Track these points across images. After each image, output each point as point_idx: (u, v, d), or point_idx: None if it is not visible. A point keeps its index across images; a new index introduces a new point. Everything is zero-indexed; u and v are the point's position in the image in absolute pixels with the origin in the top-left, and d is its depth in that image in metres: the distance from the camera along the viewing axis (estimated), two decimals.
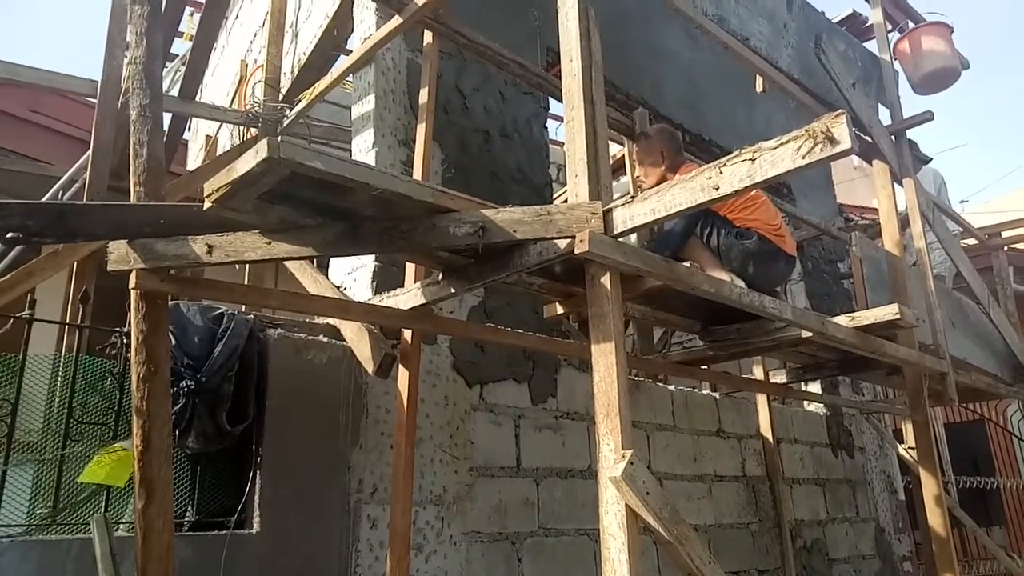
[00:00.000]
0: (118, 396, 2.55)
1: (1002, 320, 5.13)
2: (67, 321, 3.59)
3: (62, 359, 2.63)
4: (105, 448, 2.39)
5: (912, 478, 5.71)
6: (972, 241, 6.53)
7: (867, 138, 4.07)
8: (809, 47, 4.16)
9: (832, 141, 1.74)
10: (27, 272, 3.31)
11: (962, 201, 14.85)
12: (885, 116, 4.51)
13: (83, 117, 5.34)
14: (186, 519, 2.56)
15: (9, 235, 1.96)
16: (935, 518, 3.68)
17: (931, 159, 6.24)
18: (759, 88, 4.17)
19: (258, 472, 2.60)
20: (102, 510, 2.40)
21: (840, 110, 1.77)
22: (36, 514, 2.46)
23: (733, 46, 3.79)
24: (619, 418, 1.98)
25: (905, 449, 5.60)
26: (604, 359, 2.06)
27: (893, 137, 4.31)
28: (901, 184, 4.27)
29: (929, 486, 3.74)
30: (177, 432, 2.48)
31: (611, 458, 1.97)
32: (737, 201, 3.21)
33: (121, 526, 2.46)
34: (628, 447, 1.96)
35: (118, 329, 2.56)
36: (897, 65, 5.22)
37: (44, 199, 4.43)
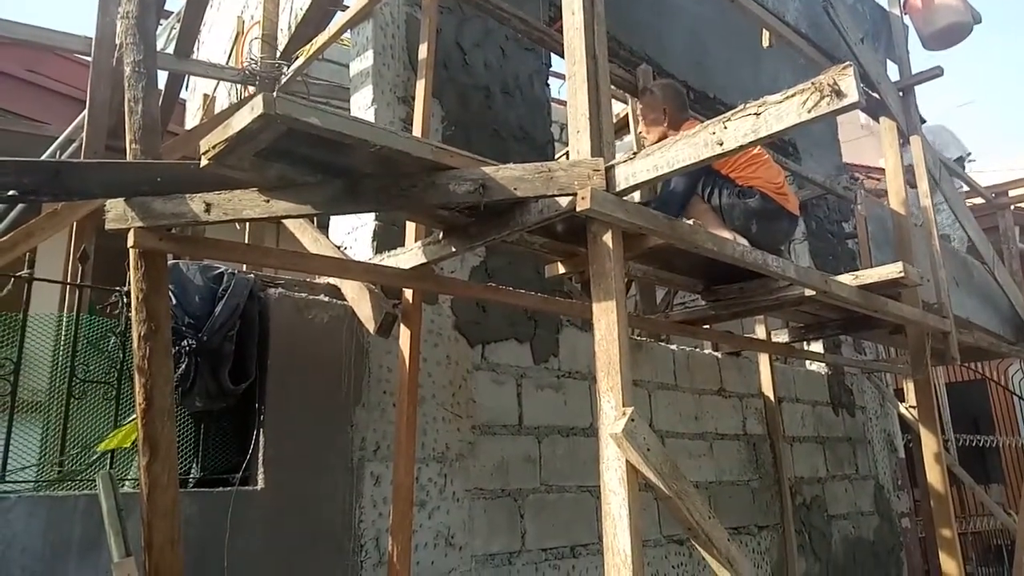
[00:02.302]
0: (121, 355, 2.56)
1: (1006, 280, 5.10)
2: (68, 281, 3.59)
3: (64, 319, 2.64)
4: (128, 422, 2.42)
5: (912, 436, 5.76)
6: (979, 200, 6.48)
7: (875, 94, 4.00)
8: (817, 0, 4.07)
9: (839, 94, 1.70)
10: (27, 232, 3.29)
11: (969, 160, 14.61)
12: (893, 72, 4.43)
13: (80, 77, 5.26)
14: (191, 476, 2.59)
15: (10, 193, 1.95)
16: (934, 475, 3.71)
17: (924, 120, 6.12)
18: (765, 43, 4.09)
19: (261, 430, 2.62)
20: (107, 467, 2.42)
21: (847, 62, 1.73)
22: (44, 471, 2.49)
23: None
24: (620, 376, 1.98)
25: (906, 408, 5.63)
26: (605, 317, 2.05)
27: (901, 93, 4.23)
28: (908, 142, 4.21)
29: (929, 444, 3.76)
30: (181, 391, 2.49)
31: (612, 415, 1.97)
32: (739, 159, 3.17)
33: (127, 483, 2.49)
34: (629, 404, 1.97)
35: (118, 288, 2.56)
36: (907, 20, 5.10)
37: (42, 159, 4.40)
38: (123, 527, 2.07)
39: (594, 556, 3.52)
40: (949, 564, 3.62)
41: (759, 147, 3.26)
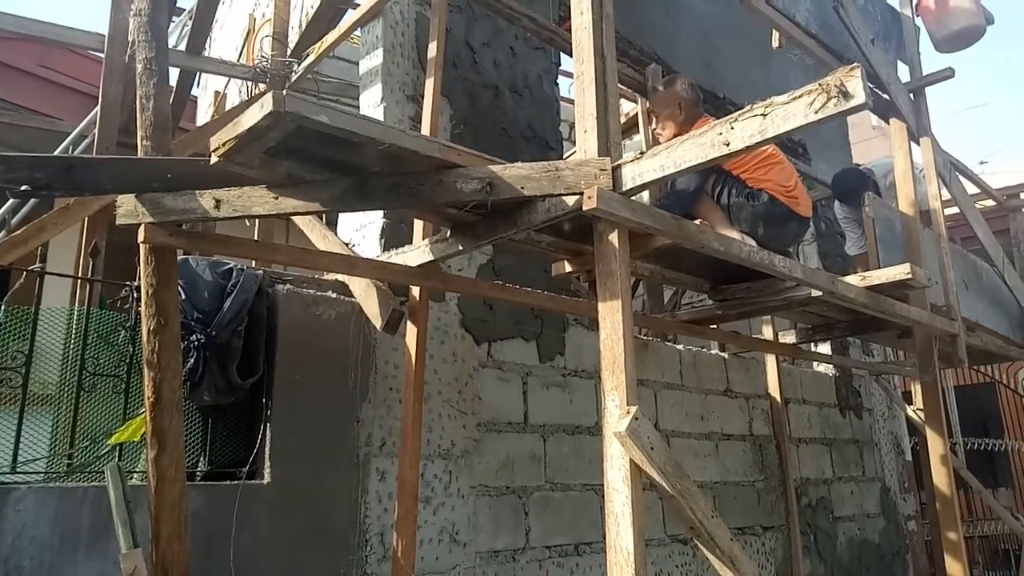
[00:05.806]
0: (130, 349, 2.59)
1: (1016, 283, 5.08)
2: (79, 275, 3.62)
3: (75, 312, 2.66)
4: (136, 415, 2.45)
5: (919, 439, 5.74)
6: (990, 203, 6.44)
7: (885, 96, 3.98)
8: (828, 0, 4.05)
9: (846, 96, 1.71)
10: (39, 227, 3.32)
11: (981, 162, 14.54)
12: (903, 73, 4.41)
13: (92, 72, 5.30)
14: (199, 469, 2.62)
15: (23, 188, 1.97)
16: (940, 478, 3.70)
17: None
18: (775, 43, 4.08)
19: (268, 424, 2.64)
20: (116, 459, 2.45)
21: (855, 63, 1.73)
22: (54, 462, 2.52)
23: None
24: (624, 374, 1.99)
25: (914, 410, 5.61)
26: (611, 316, 2.06)
27: (911, 95, 4.22)
28: (918, 143, 4.20)
29: (935, 446, 3.75)
30: (189, 385, 2.52)
31: (616, 414, 1.98)
32: (751, 160, 3.16)
33: (135, 475, 2.52)
34: (633, 403, 1.98)
35: (128, 283, 2.59)
36: (919, 22, 5.08)
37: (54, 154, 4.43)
38: (131, 519, 2.10)
39: (598, 554, 3.53)
40: (955, 567, 3.61)
41: (772, 147, 3.26)
